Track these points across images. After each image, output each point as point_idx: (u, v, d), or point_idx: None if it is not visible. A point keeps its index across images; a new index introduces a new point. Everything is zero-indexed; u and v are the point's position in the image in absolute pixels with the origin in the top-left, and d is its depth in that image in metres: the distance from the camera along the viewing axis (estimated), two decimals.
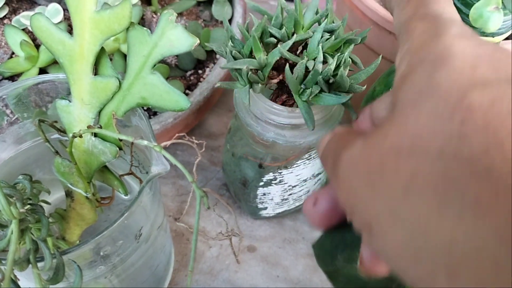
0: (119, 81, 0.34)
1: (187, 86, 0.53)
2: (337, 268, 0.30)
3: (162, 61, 0.51)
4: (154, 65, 0.33)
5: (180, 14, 0.56)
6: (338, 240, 0.30)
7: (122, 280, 0.40)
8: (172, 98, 0.33)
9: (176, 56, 0.52)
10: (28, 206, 0.29)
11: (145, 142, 0.27)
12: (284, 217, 0.53)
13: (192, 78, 0.53)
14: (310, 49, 0.36)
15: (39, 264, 0.28)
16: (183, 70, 0.53)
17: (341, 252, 0.31)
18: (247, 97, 0.37)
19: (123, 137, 0.29)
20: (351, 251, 0.31)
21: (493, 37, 0.30)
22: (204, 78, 0.53)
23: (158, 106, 0.33)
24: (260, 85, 0.37)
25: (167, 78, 0.51)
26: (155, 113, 0.50)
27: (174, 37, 0.32)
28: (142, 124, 0.36)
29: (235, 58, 0.37)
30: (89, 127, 0.32)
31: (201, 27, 0.55)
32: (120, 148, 0.36)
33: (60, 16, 0.52)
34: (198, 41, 0.32)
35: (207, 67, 0.54)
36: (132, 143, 0.40)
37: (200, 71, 0.54)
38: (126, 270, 0.39)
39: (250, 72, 0.36)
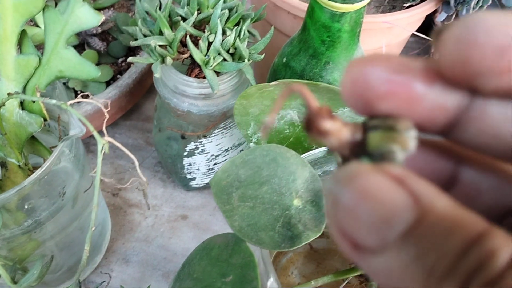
0: (39, 58, 0.38)
1: (118, 71, 0.57)
2: (233, 207, 0.35)
3: (91, 47, 0.55)
4: (78, 41, 0.38)
5: (111, 7, 0.60)
6: (232, 179, 0.35)
7: (58, 244, 0.45)
8: (84, 69, 0.38)
9: (106, 43, 0.57)
10: None
11: (53, 101, 0.32)
12: None
13: (123, 64, 0.58)
14: (212, 24, 0.42)
15: None
16: (115, 57, 0.58)
17: (235, 190, 0.35)
18: (157, 70, 0.42)
19: (35, 98, 0.33)
20: (245, 189, 0.36)
21: (353, 3, 0.36)
22: (133, 64, 0.57)
23: (73, 77, 0.38)
24: (170, 59, 0.42)
25: (97, 64, 0.55)
26: (87, 96, 0.54)
27: (82, 14, 0.36)
28: (63, 99, 0.40)
29: (145, 36, 0.42)
30: (9, 94, 0.36)
31: (130, 18, 0.59)
32: (45, 119, 0.40)
33: None
34: (104, 17, 0.36)
35: (138, 54, 0.59)
36: (59, 117, 0.44)
37: None
38: (60, 232, 0.43)
39: (158, 47, 0.41)
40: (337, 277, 0.36)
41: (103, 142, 0.31)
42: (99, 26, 0.54)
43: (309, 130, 0.16)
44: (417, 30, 0.56)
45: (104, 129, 0.37)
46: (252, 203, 0.34)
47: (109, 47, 0.57)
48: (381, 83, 0.14)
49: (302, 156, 0.38)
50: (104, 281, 0.46)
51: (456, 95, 0.15)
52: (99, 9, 0.58)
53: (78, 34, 0.54)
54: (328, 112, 0.15)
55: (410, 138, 0.15)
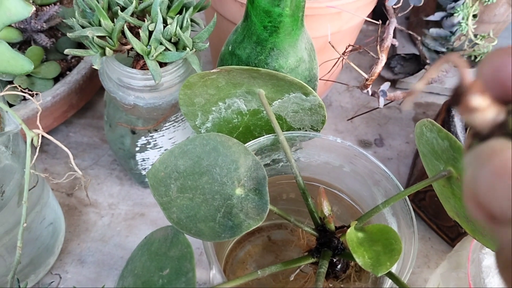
0: None
1: (67, 68, 0.56)
2: (171, 199, 0.34)
3: (38, 44, 0.53)
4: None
5: (59, 2, 0.59)
6: (171, 170, 0.34)
7: (6, 246, 0.43)
8: (18, 63, 0.36)
9: (54, 39, 0.55)
10: None
11: None
12: None
13: (73, 60, 0.57)
14: (152, 14, 0.40)
15: None
16: (64, 53, 0.56)
17: (174, 181, 0.34)
18: (97, 62, 0.40)
19: None
20: (184, 180, 0.35)
21: None
22: (83, 59, 0.56)
23: (7, 71, 0.37)
24: (109, 50, 0.41)
25: (44, 61, 0.54)
26: (14, 87, 0.53)
27: (12, 6, 0.35)
28: None
29: (84, 28, 0.41)
30: None
31: None
32: None
33: None
34: (34, 9, 0.35)
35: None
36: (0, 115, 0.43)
37: None
38: (7, 233, 0.42)
39: (97, 39, 0.40)
40: (286, 266, 0.35)
41: (32, 135, 0.30)
42: (44, 22, 0.53)
43: (457, 103, 0.16)
44: (373, 17, 0.56)
45: (38, 122, 0.36)
46: (192, 194, 0.33)
47: (57, 43, 0.56)
48: None
49: (246, 144, 0.38)
50: (53, 281, 0.44)
51: None
52: (45, 5, 0.56)
53: (23, 31, 0.53)
54: (480, 89, 0.15)
55: None
